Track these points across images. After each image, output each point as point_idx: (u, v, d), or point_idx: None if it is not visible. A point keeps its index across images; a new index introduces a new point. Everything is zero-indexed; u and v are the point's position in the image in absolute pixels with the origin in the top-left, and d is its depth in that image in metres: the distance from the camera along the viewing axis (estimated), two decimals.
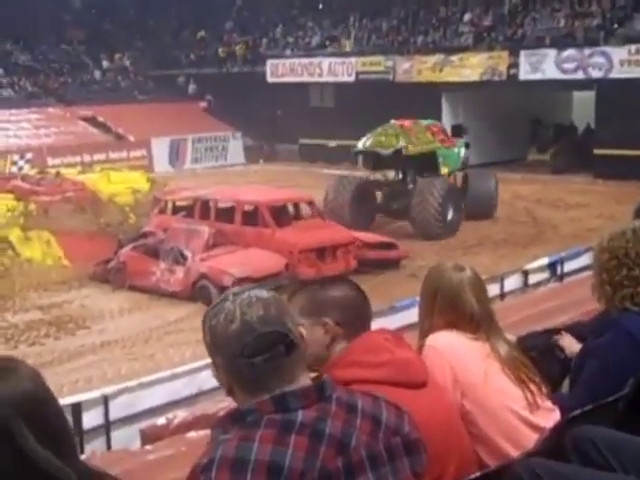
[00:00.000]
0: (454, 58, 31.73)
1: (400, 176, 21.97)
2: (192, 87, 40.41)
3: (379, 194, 21.93)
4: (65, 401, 8.67)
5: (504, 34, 32.10)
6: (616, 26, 29.61)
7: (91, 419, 8.57)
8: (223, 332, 2.06)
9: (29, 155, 31.83)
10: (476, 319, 3.13)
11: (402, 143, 21.26)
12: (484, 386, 3.04)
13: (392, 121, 22.56)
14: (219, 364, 2.09)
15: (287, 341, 2.05)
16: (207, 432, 7.35)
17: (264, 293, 2.11)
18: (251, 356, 2.03)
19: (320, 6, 40.86)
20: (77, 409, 8.36)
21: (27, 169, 28.39)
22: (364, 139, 22.34)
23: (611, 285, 3.37)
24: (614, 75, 28.01)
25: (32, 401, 1.82)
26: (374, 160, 21.86)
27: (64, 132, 35.67)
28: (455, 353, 3.06)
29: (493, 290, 12.44)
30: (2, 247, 18.02)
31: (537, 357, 3.52)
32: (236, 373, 2.06)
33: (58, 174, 22.18)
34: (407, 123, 22.21)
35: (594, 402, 3.18)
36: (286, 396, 2.03)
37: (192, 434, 7.28)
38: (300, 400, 2.03)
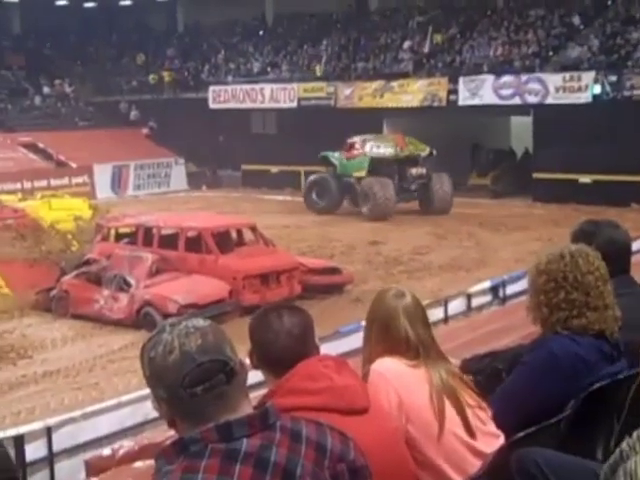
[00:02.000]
0: (394, 84, 32.14)
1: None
2: (134, 113, 40.23)
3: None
4: (7, 433, 8.56)
5: (443, 61, 32.61)
6: (551, 54, 30.30)
7: (34, 451, 8.48)
8: (162, 363, 2.04)
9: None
10: (413, 345, 3.14)
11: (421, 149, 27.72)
12: (428, 411, 3.06)
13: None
14: (160, 396, 2.06)
15: (227, 369, 2.03)
16: (153, 462, 7.31)
17: (201, 322, 2.10)
18: (192, 386, 2.00)
19: (261, 32, 41.08)
20: (19, 441, 8.27)
21: None
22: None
23: (548, 307, 3.40)
24: (550, 101, 28.64)
25: None
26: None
27: (4, 158, 35.10)
28: (400, 378, 3.08)
29: (437, 314, 12.60)
30: None
31: (483, 381, 3.57)
32: (177, 404, 2.03)
33: None
34: (400, 136, 28.35)
35: (507, 412, 3.25)
36: (230, 425, 2.01)
37: (139, 464, 7.22)
38: (244, 428, 2.01)
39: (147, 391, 6.94)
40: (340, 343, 10.60)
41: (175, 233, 17.58)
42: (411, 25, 35.52)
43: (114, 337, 15.28)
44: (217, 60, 40.36)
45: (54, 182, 33.39)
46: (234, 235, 18.18)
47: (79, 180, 34.53)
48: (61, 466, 8.53)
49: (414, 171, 27.44)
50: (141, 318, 15.62)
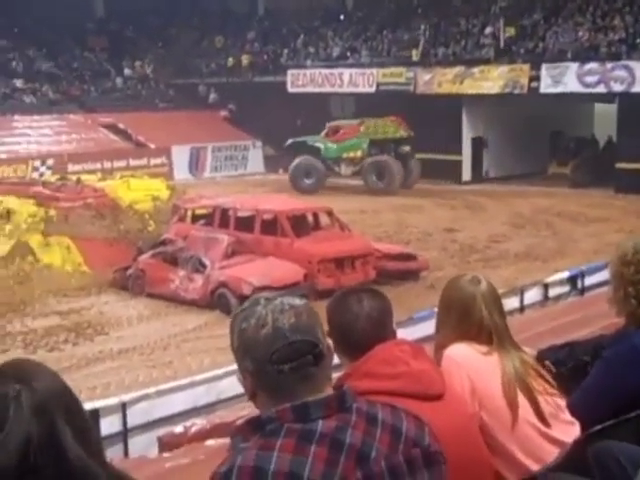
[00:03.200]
0: (475, 70, 31.70)
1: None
2: (212, 96, 40.52)
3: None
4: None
5: (525, 47, 32.05)
6: (639, 40, 29.52)
7: (109, 426, 8.58)
8: (253, 336, 2.04)
9: (50, 161, 32.01)
10: (487, 332, 3.11)
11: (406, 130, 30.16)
12: (500, 398, 3.02)
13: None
14: (245, 368, 2.06)
15: (316, 351, 2.03)
16: (225, 440, 7.35)
17: (296, 301, 2.10)
18: (280, 363, 2.00)
19: (341, 17, 40.96)
20: (95, 415, 8.37)
21: (48, 175, 28.51)
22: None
23: (637, 299, 3.32)
24: (637, 89, 27.89)
25: (67, 397, 1.80)
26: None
27: (85, 139, 35.85)
28: (472, 364, 3.05)
29: (513, 303, 12.41)
30: (22, 253, 18.10)
31: (567, 373, 3.47)
32: (263, 378, 2.04)
33: (79, 181, 22.27)
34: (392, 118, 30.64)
35: (588, 407, 3.16)
36: (307, 405, 2.00)
37: (210, 442, 7.29)
38: (320, 410, 2.00)
39: (220, 371, 6.98)
40: (414, 329, 10.51)
41: (251, 215, 17.66)
42: (494, 10, 34.97)
43: (188, 317, 15.45)
44: (296, 44, 40.36)
45: (133, 162, 33.90)
46: (310, 219, 18.20)
47: (157, 161, 34.99)
48: (135, 441, 8.63)
49: (404, 150, 29.97)
50: (215, 299, 15.76)
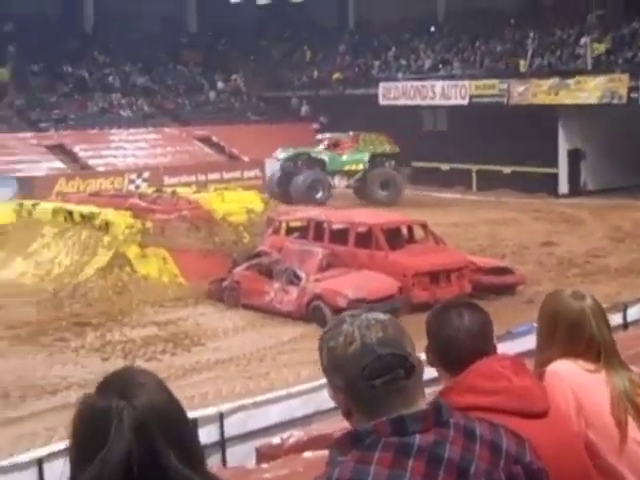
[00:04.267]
0: (570, 81, 31.14)
1: None
2: (304, 108, 40.77)
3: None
4: None
5: (624, 57, 31.36)
6: None
7: (207, 435, 8.60)
8: (342, 354, 2.04)
9: (146, 174, 32.59)
10: (597, 349, 3.03)
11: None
12: (608, 417, 2.94)
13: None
14: (337, 386, 2.06)
15: (406, 364, 2.03)
16: (323, 453, 7.30)
17: (381, 315, 2.10)
18: (371, 378, 2.00)
19: (432, 29, 40.78)
20: (193, 425, 8.41)
21: (144, 188, 29.00)
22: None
23: None
24: None
25: (169, 413, 1.81)
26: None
27: (180, 152, 36.43)
28: (578, 381, 2.97)
29: (615, 320, 12.06)
30: (120, 263, 18.42)
31: None
32: (355, 395, 2.04)
33: (174, 193, 22.59)
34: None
35: None
36: (404, 419, 1.99)
37: (308, 454, 7.26)
38: (418, 423, 2.00)
39: (317, 383, 6.94)
40: (513, 344, 10.31)
41: (345, 228, 17.65)
42: (589, 19, 34.32)
43: (284, 329, 15.48)
44: (387, 56, 40.35)
45: (227, 175, 34.21)
46: (404, 232, 18.09)
47: (251, 174, 35.26)
48: (232, 451, 8.65)
49: (392, 164, 31.50)
50: (310, 311, 15.77)
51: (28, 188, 29.28)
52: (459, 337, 2.63)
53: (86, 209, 20.43)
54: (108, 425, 1.73)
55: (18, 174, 30.87)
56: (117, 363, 13.31)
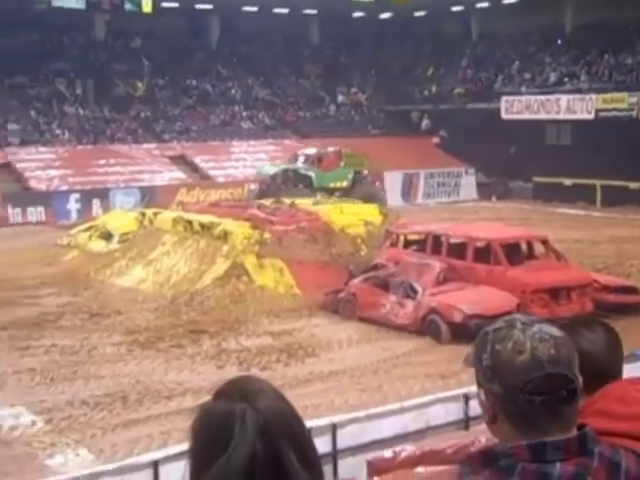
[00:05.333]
0: None
1: None
2: (425, 122, 40.56)
3: None
4: None
5: None
6: None
7: (319, 446, 8.51)
8: (509, 361, 1.92)
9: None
10: None
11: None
12: None
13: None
14: (492, 390, 1.95)
15: (570, 387, 1.91)
16: (436, 469, 7.10)
17: (555, 331, 1.97)
18: (532, 393, 1.89)
19: (559, 41, 39.97)
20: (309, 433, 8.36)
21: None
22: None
23: None
24: None
25: (291, 419, 1.79)
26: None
27: None
28: None
29: None
30: (238, 273, 18.58)
31: None
32: (510, 405, 1.92)
33: (293, 204, 22.70)
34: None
35: None
36: (544, 445, 1.88)
37: (420, 469, 7.11)
38: (560, 452, 1.88)
39: (430, 398, 6.76)
40: (635, 366, 9.90)
41: (463, 242, 17.35)
42: None
43: (398, 342, 15.32)
44: (511, 70, 39.75)
45: None
46: (524, 248, 17.67)
47: None
48: (343, 463, 8.56)
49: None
50: (426, 325, 15.57)
51: (150, 197, 29.99)
52: (591, 356, 2.45)
53: (206, 219, 20.74)
54: (231, 427, 1.72)
55: (141, 184, 31.64)
56: (232, 371, 13.41)
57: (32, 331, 15.99)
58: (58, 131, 36.48)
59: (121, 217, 24.11)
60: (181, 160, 35.59)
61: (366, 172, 32.02)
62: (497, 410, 1.96)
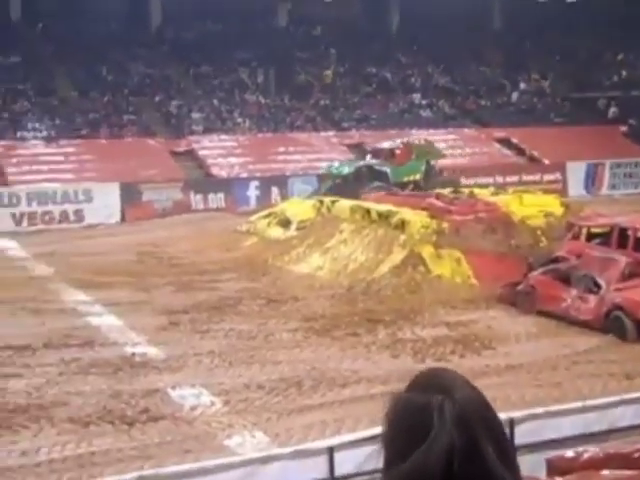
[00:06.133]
0: None
1: None
2: (612, 110, 39.02)
3: None
4: None
5: None
6: None
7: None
8: None
9: (444, 174, 32.66)
10: None
11: None
12: None
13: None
14: None
15: None
16: (623, 473, 6.73)
17: None
18: None
19: None
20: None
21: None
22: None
23: None
24: None
25: (487, 411, 1.80)
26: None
27: (479, 153, 36.23)
28: None
29: None
30: (414, 263, 18.46)
31: None
32: None
33: (471, 194, 22.37)
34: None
35: None
36: None
37: (605, 472, 6.80)
38: None
39: (615, 398, 6.42)
40: None
41: None
42: None
43: (580, 338, 14.76)
44: None
45: (525, 178, 33.64)
46: None
47: (551, 177, 34.40)
48: (521, 460, 8.28)
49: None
50: (609, 322, 14.91)
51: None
52: None
53: (383, 208, 20.71)
54: (429, 418, 1.74)
55: (319, 172, 31.97)
56: (407, 361, 13.33)
57: (212, 315, 16.43)
58: (239, 119, 37.35)
59: (299, 204, 24.46)
60: (359, 149, 35.74)
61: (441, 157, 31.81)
62: None
